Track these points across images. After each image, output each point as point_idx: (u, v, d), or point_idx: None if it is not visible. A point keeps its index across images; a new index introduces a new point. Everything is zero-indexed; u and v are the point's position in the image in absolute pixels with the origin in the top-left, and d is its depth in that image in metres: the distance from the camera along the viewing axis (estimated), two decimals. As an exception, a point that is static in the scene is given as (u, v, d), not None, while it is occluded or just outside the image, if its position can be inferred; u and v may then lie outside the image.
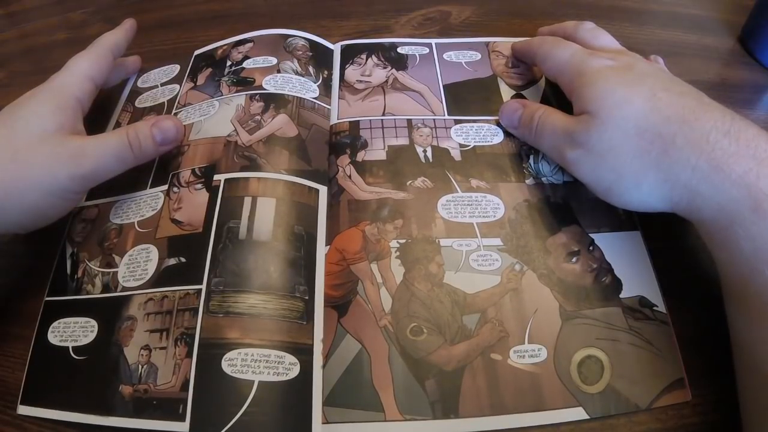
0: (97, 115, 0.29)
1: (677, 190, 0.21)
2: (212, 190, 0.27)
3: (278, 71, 0.33)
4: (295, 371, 0.22)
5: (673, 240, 0.26)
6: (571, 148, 0.25)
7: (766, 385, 0.18)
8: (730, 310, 0.21)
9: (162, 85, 0.35)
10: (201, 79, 0.34)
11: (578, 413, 0.21)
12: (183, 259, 0.25)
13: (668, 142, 0.21)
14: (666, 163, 0.21)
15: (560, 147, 0.26)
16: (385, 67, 0.34)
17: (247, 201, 0.26)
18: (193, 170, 0.28)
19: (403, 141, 0.30)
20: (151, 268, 0.25)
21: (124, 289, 0.25)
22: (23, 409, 0.23)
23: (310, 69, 0.34)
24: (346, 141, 0.30)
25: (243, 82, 0.32)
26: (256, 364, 0.22)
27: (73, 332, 0.25)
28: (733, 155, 0.20)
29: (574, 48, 0.28)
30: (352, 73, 0.34)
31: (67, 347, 0.24)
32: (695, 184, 0.20)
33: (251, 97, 0.31)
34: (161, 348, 0.23)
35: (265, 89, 0.31)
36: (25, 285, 0.27)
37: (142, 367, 0.23)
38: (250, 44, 0.35)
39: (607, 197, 0.24)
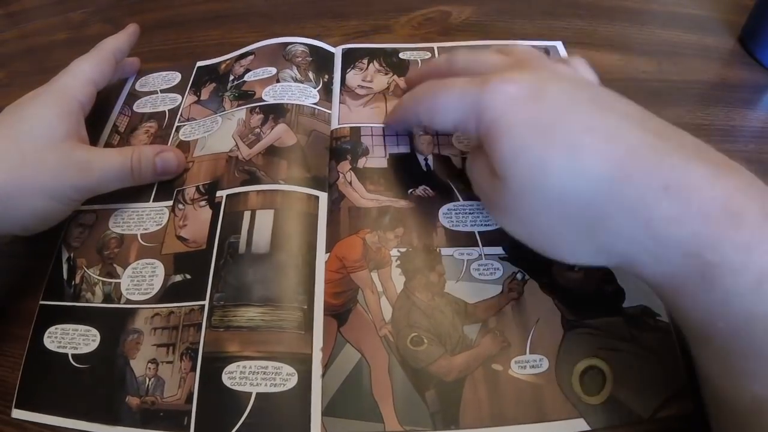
0: (94, 116, 0.29)
1: (615, 259, 0.19)
2: (215, 207, 0.27)
3: (277, 81, 0.32)
4: (293, 381, 0.22)
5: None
6: (493, 210, 0.22)
7: (732, 412, 0.18)
8: (690, 343, 0.19)
9: (162, 91, 0.35)
10: (204, 93, 0.34)
11: (579, 425, 0.21)
12: (188, 276, 0.25)
13: (598, 213, 0.18)
14: (599, 235, 0.18)
15: (483, 202, 0.23)
16: (386, 73, 0.34)
17: (247, 215, 0.26)
18: (197, 187, 0.28)
19: (404, 149, 0.30)
20: (157, 283, 0.25)
21: (129, 301, 0.25)
22: (18, 413, 0.23)
23: (310, 74, 0.33)
24: (346, 147, 0.30)
25: (244, 95, 0.32)
26: (254, 376, 0.22)
27: (72, 339, 0.25)
28: (674, 220, 0.16)
29: (457, 84, 0.21)
30: (354, 78, 0.34)
31: (66, 354, 0.24)
32: (633, 254, 0.18)
33: (251, 110, 0.31)
34: (168, 362, 0.23)
35: (264, 101, 0.31)
36: (24, 285, 0.27)
37: (150, 380, 0.23)
38: (251, 57, 0.35)
39: (546, 256, 0.21)
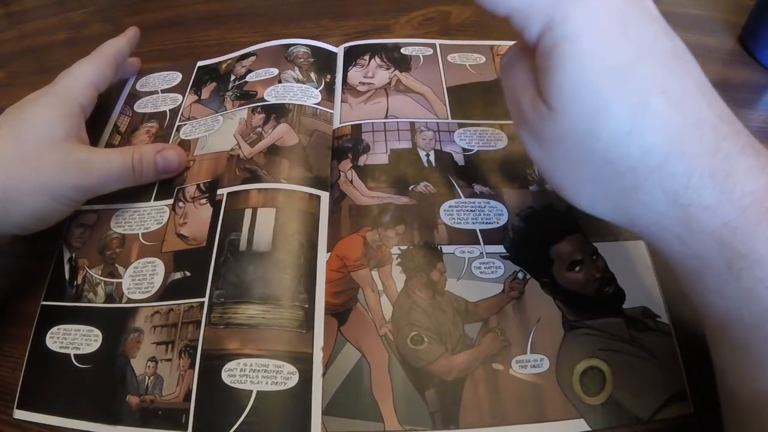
0: (95, 116, 0.29)
1: (636, 228, 0.18)
2: (215, 205, 0.27)
3: (279, 81, 0.32)
4: (293, 380, 0.22)
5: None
6: (525, 132, 0.19)
7: (748, 406, 0.17)
8: (708, 333, 0.19)
9: (162, 92, 0.35)
10: (205, 93, 0.34)
11: (579, 425, 0.21)
12: (188, 273, 0.25)
13: (637, 183, 0.16)
14: (628, 203, 0.17)
15: (516, 120, 0.20)
16: (388, 68, 0.34)
17: (248, 213, 0.26)
18: (198, 185, 0.28)
19: (405, 144, 0.30)
20: (158, 281, 0.25)
21: (130, 300, 0.25)
22: (20, 414, 0.23)
23: (312, 75, 0.33)
24: (348, 145, 0.30)
25: (246, 95, 0.32)
26: (255, 374, 0.22)
27: (74, 340, 0.25)
28: (711, 206, 0.16)
29: None
30: (355, 74, 0.34)
31: (69, 354, 0.24)
32: (659, 230, 0.17)
33: (253, 110, 0.31)
34: (167, 360, 0.23)
35: (266, 101, 0.31)
36: (25, 285, 0.27)
37: (149, 378, 0.23)
38: (252, 57, 0.35)
39: (564, 198, 0.19)
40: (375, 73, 0.34)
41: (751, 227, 0.15)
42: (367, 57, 0.35)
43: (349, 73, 0.34)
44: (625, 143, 0.16)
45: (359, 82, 0.33)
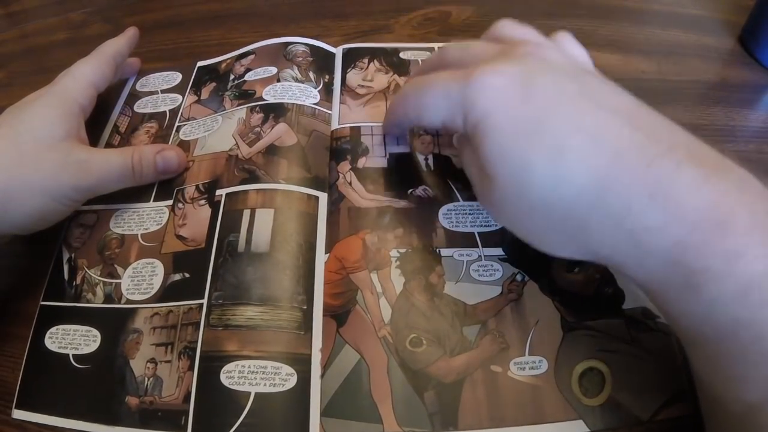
0: (94, 116, 0.29)
1: (601, 260, 0.18)
2: (214, 206, 0.27)
3: (278, 80, 0.32)
4: (292, 382, 0.22)
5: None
6: (483, 201, 0.21)
7: (725, 416, 0.18)
8: (683, 344, 0.19)
9: (162, 92, 0.35)
10: (205, 93, 0.34)
11: (579, 426, 0.21)
12: (187, 275, 0.25)
13: (581, 220, 0.17)
14: (583, 239, 0.18)
15: (475, 192, 0.22)
16: (387, 72, 0.34)
17: (246, 213, 0.26)
18: (197, 186, 0.28)
19: (404, 148, 0.30)
20: (157, 282, 0.25)
21: (129, 301, 0.25)
22: (18, 414, 0.23)
23: (311, 74, 0.33)
24: (346, 147, 0.30)
25: (244, 95, 0.32)
26: (253, 376, 0.22)
27: (73, 340, 0.25)
28: (658, 228, 0.16)
29: (441, 80, 0.20)
30: (354, 77, 0.34)
31: (68, 355, 0.24)
32: (618, 258, 0.17)
33: (251, 110, 0.31)
34: (166, 361, 0.23)
35: (265, 100, 0.31)
36: (25, 285, 0.27)
37: (149, 380, 0.23)
38: (251, 56, 0.35)
39: (536, 248, 0.21)
40: (374, 76, 0.34)
41: (702, 243, 0.15)
42: (366, 60, 0.35)
43: (348, 75, 0.34)
44: (555, 190, 0.17)
45: (358, 85, 0.33)
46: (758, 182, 0.16)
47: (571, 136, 0.17)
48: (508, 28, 0.23)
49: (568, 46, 0.22)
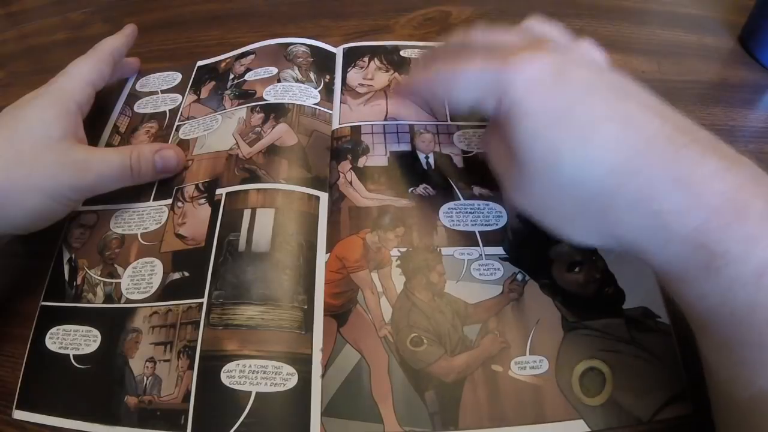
0: (94, 116, 0.29)
1: (624, 246, 0.19)
2: (214, 205, 0.27)
3: (278, 80, 0.32)
4: (293, 381, 0.22)
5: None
6: (509, 186, 0.21)
7: (735, 405, 0.18)
8: (695, 334, 0.19)
9: (162, 92, 0.35)
10: (204, 92, 0.34)
11: (579, 426, 0.21)
12: (186, 274, 0.25)
13: (608, 203, 0.18)
14: (607, 223, 0.19)
15: (500, 179, 0.22)
16: (387, 71, 0.34)
17: (247, 213, 0.26)
18: (196, 185, 0.28)
19: (404, 147, 0.30)
20: (156, 281, 0.25)
21: (128, 301, 0.25)
22: (19, 414, 0.23)
23: (311, 75, 0.33)
24: (347, 146, 0.30)
25: (245, 94, 0.32)
26: (254, 375, 0.22)
27: (74, 340, 0.25)
28: (682, 212, 0.17)
29: (479, 58, 0.20)
30: (354, 76, 0.34)
31: (68, 355, 0.24)
32: (640, 242, 0.18)
33: (252, 109, 0.31)
34: (165, 360, 0.23)
35: (265, 100, 0.31)
36: (25, 285, 0.27)
37: (147, 379, 0.23)
38: (251, 56, 0.35)
39: (556, 235, 0.21)
40: (374, 75, 0.34)
41: (723, 228, 0.16)
42: (366, 59, 0.35)
43: (348, 75, 0.34)
44: (585, 170, 0.18)
45: (358, 84, 0.33)
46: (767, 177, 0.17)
47: (601, 123, 0.18)
48: (538, 25, 0.23)
49: (590, 51, 0.23)
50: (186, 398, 0.22)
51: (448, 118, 0.31)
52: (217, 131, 0.31)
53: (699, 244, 0.16)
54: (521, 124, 0.19)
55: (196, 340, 0.23)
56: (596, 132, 0.18)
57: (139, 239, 0.27)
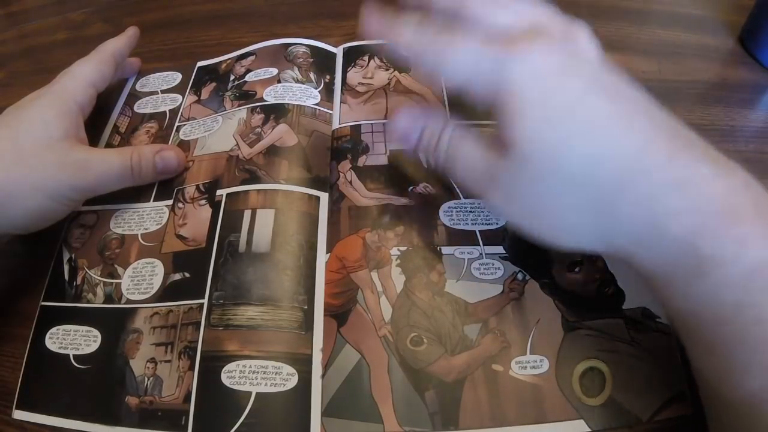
0: (94, 116, 0.29)
1: (613, 247, 0.19)
2: (215, 206, 0.27)
3: (279, 81, 0.32)
4: (293, 382, 0.22)
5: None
6: (494, 193, 0.20)
7: (726, 408, 0.18)
8: (681, 336, 0.19)
9: (162, 92, 0.35)
10: (205, 93, 0.34)
11: (579, 426, 0.21)
12: (187, 274, 0.25)
13: (609, 200, 0.18)
14: (604, 222, 0.18)
15: (480, 187, 0.21)
16: (387, 69, 0.34)
17: (247, 214, 0.26)
18: (197, 186, 0.28)
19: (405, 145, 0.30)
20: (157, 282, 0.25)
21: (129, 301, 0.25)
22: (19, 414, 0.23)
23: (311, 75, 0.33)
24: (347, 146, 0.30)
25: (245, 95, 0.32)
26: (254, 376, 0.22)
27: (74, 340, 0.25)
28: (677, 213, 0.17)
29: (479, 39, 0.19)
30: (354, 75, 0.34)
31: (68, 355, 0.24)
32: (632, 243, 0.18)
33: (252, 110, 0.31)
34: (166, 361, 0.23)
35: (265, 101, 0.31)
36: (25, 285, 0.27)
37: (148, 380, 0.23)
38: (252, 57, 0.35)
39: (537, 240, 0.20)
40: (374, 73, 0.34)
41: (717, 230, 0.16)
42: (366, 58, 0.35)
43: (348, 74, 0.34)
44: (593, 166, 0.18)
45: (358, 83, 0.33)
46: (758, 183, 0.17)
47: (607, 120, 0.18)
48: (534, 7, 0.21)
49: (588, 44, 0.21)
50: (187, 399, 0.22)
51: (448, 117, 0.31)
52: (217, 132, 0.31)
53: (690, 247, 0.16)
54: (528, 114, 0.18)
55: (197, 341, 0.23)
56: (603, 128, 0.18)
57: (140, 240, 0.27)
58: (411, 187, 0.28)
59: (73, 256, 0.27)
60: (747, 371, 0.16)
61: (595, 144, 0.18)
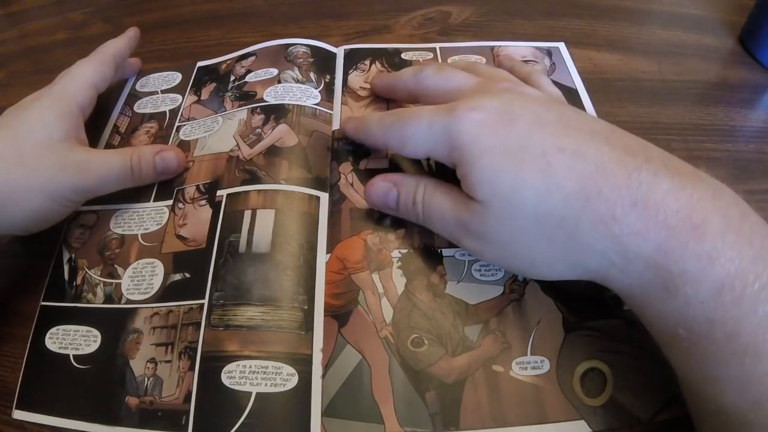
0: (94, 116, 0.29)
1: (588, 273, 0.19)
2: (215, 206, 0.27)
3: (279, 81, 0.32)
4: (293, 382, 0.22)
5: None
6: (468, 239, 0.22)
7: (701, 418, 0.18)
8: (660, 347, 0.20)
9: (162, 92, 0.35)
10: (205, 93, 0.34)
11: (580, 426, 0.21)
12: (187, 275, 0.25)
13: (572, 228, 0.18)
14: (573, 251, 0.19)
15: (455, 235, 0.22)
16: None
17: (247, 214, 0.26)
18: (197, 186, 0.28)
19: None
20: (157, 282, 0.25)
21: (129, 301, 0.25)
22: (19, 414, 0.23)
23: (312, 75, 0.33)
24: (348, 148, 0.30)
25: (245, 96, 0.32)
26: (254, 376, 0.22)
27: (74, 340, 0.25)
28: (639, 233, 0.17)
29: (426, 114, 0.22)
30: (356, 79, 0.34)
31: (68, 355, 0.24)
32: (603, 267, 0.18)
33: (252, 111, 0.31)
34: (166, 361, 0.23)
35: (266, 101, 0.31)
36: (24, 285, 0.27)
37: (149, 380, 0.23)
38: (252, 58, 0.35)
39: (523, 275, 0.22)
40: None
41: (681, 247, 0.16)
42: (367, 62, 0.35)
43: (349, 77, 0.34)
44: (547, 199, 0.18)
45: (360, 87, 0.33)
46: (730, 191, 0.17)
47: (554, 154, 0.19)
48: (486, 66, 0.25)
49: (543, 84, 0.24)
50: (187, 399, 0.22)
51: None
52: (217, 133, 0.31)
53: (657, 265, 0.17)
54: (479, 162, 0.20)
55: (197, 341, 0.23)
56: (552, 162, 0.18)
57: (140, 240, 0.27)
58: (412, 188, 0.28)
59: (73, 256, 0.27)
60: (720, 386, 0.16)
61: (545, 178, 0.18)
